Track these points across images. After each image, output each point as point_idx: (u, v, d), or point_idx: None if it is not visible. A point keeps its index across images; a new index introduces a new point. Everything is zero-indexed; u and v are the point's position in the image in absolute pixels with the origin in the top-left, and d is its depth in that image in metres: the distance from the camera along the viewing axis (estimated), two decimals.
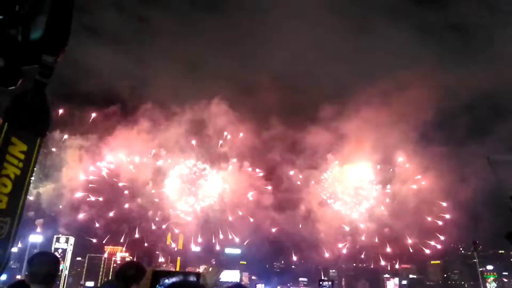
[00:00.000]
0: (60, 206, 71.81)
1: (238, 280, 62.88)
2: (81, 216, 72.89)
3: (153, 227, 76.63)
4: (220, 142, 78.75)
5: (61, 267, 71.40)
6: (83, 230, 74.60)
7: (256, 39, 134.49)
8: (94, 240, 77.56)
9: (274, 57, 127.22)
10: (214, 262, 71.33)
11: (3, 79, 1.66)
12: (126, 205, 75.36)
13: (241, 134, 78.28)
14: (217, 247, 79.23)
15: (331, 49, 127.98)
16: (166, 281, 2.32)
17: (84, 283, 74.07)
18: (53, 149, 72.05)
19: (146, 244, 78.91)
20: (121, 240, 79.09)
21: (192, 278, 2.37)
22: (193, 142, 77.48)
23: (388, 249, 79.33)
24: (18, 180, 1.57)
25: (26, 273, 4.18)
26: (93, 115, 75.79)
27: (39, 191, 70.12)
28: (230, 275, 67.38)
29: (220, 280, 3.75)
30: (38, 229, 64.53)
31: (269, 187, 79.38)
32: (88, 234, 76.05)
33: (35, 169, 1.72)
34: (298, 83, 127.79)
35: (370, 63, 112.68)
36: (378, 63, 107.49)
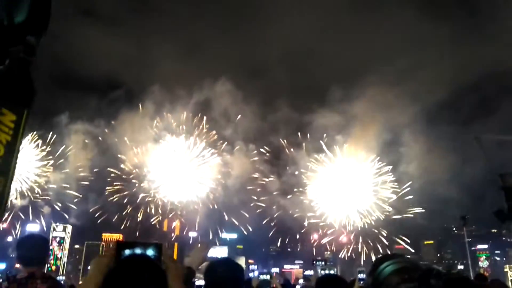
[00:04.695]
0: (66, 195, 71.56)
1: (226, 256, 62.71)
2: (84, 204, 72.90)
3: (152, 211, 76.91)
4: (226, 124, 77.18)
5: (59, 252, 72.34)
6: (84, 218, 74.89)
7: (260, 18, 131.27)
8: (92, 228, 77.97)
9: (279, 37, 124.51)
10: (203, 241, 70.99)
11: None
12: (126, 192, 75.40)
13: (238, 116, 76.77)
14: (216, 232, 79.88)
15: (338, 28, 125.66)
16: (128, 251, 2.23)
17: (84, 268, 74.67)
18: (57, 135, 71.19)
19: (142, 230, 79.55)
20: (118, 227, 79.76)
21: (152, 251, 2.25)
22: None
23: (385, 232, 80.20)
24: (9, 145, 1.85)
25: (15, 255, 4.29)
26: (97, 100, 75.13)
27: (47, 180, 70.07)
28: (218, 252, 66.97)
29: (208, 256, 3.72)
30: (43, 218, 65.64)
31: (274, 171, 78.85)
32: (90, 222, 76.40)
33: (23, 139, 2.00)
34: (304, 64, 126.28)
35: (377, 43, 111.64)
36: (386, 43, 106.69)
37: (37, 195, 69.45)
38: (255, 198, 77.81)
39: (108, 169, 73.43)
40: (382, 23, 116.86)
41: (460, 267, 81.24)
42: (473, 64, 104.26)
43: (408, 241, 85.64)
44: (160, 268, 2.09)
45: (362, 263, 76.35)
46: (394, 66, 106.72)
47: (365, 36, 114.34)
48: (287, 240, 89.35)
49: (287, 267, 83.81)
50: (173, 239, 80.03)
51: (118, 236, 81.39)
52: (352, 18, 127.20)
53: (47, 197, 70.15)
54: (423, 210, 76.37)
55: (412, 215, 77.85)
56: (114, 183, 74.52)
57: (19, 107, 1.89)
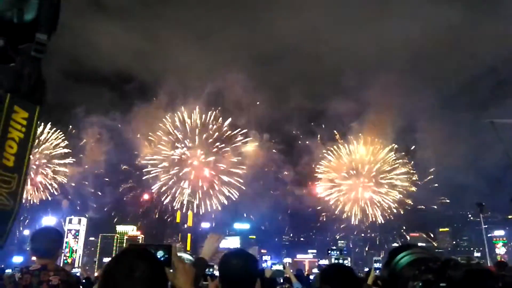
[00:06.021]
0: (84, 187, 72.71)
1: (239, 246, 63.03)
2: (100, 197, 74.02)
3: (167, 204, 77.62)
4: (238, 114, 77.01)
5: (74, 245, 73.58)
6: (99, 212, 76.06)
7: (270, 5, 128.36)
8: (108, 220, 79.22)
9: (291, 24, 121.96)
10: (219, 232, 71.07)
11: (3, 57, 1.92)
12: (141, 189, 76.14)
13: (253, 106, 76.53)
14: (230, 222, 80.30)
15: (351, 14, 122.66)
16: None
17: (100, 260, 75.78)
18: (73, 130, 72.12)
19: (156, 223, 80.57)
20: (131, 219, 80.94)
21: (162, 252, 2.28)
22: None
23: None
24: (22, 142, 1.86)
25: (29, 248, 4.35)
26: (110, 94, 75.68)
27: (65, 174, 71.21)
28: (230, 242, 67.24)
29: (220, 248, 3.79)
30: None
31: (288, 161, 78.68)
32: (106, 215, 77.66)
33: (36, 136, 2.00)
34: (317, 51, 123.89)
35: (392, 28, 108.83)
36: (400, 28, 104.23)
37: (54, 189, 70.70)
38: (269, 188, 77.98)
39: (123, 166, 74.71)
40: (396, 7, 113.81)
41: (477, 254, 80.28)
42: (489, 47, 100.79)
43: (424, 229, 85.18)
44: (153, 259, 2.07)
45: (381, 254, 75.89)
46: (408, 51, 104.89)
47: (379, 21, 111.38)
48: (300, 229, 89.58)
49: (300, 256, 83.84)
50: (186, 230, 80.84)
51: (131, 228, 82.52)
52: (365, 3, 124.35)
53: (65, 192, 71.48)
54: (448, 201, 75.51)
55: (435, 207, 77.35)
56: (130, 180, 75.73)
57: (31, 104, 1.89)
